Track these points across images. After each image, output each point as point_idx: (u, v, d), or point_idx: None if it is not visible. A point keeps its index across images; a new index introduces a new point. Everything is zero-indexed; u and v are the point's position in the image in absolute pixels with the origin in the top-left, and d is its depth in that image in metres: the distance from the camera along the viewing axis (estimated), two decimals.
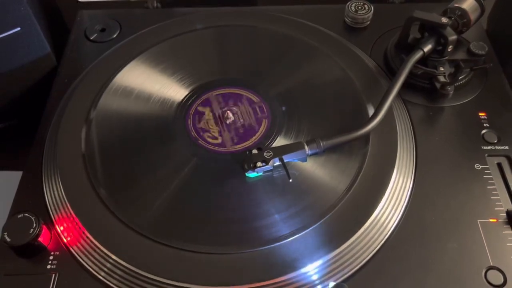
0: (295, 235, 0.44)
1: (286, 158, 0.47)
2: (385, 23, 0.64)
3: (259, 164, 0.47)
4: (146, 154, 0.51)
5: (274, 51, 0.61)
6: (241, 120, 0.54)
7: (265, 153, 0.47)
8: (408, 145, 0.52)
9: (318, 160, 0.50)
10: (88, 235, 0.45)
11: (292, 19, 0.64)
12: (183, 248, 0.44)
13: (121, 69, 0.57)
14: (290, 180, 0.47)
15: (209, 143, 0.52)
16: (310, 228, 0.44)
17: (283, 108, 0.54)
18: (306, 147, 0.48)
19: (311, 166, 0.49)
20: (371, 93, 0.54)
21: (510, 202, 0.48)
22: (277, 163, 0.47)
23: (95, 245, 0.45)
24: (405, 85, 0.54)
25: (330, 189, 0.47)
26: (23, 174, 0.51)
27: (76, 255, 0.45)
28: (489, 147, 0.52)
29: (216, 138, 0.52)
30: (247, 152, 0.48)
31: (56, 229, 0.47)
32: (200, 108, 0.55)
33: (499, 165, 0.51)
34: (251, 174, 0.48)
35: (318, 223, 0.45)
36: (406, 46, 0.57)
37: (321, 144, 0.48)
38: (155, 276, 0.43)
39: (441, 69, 0.55)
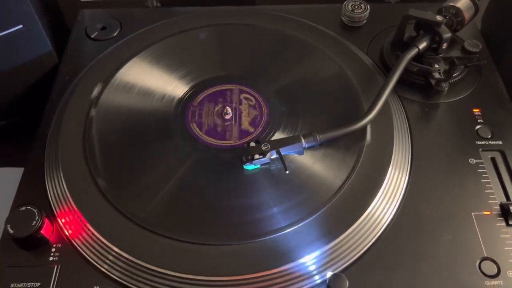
0: (293, 226, 0.45)
1: (283, 151, 0.48)
2: (381, 22, 0.65)
3: (256, 156, 0.48)
4: (147, 149, 0.52)
5: (273, 49, 0.61)
6: (240, 116, 0.55)
7: (262, 145, 0.48)
8: (404, 140, 0.53)
9: (316, 154, 0.51)
10: (90, 228, 0.46)
11: (290, 18, 0.65)
12: (184, 240, 0.44)
13: (122, 66, 0.58)
14: (287, 172, 0.48)
15: (208, 138, 0.53)
16: (308, 220, 0.45)
17: (283, 109, 0.55)
18: (302, 140, 0.49)
19: (309, 160, 0.50)
20: (367, 89, 0.55)
21: (503, 195, 0.49)
22: (275, 155, 0.48)
23: (97, 237, 0.45)
24: (401, 82, 0.55)
25: (327, 183, 0.48)
26: (25, 168, 0.52)
27: (78, 247, 0.46)
28: (483, 142, 0.53)
29: (215, 133, 0.53)
30: (245, 145, 0.49)
31: (58, 222, 0.48)
32: (200, 104, 0.56)
33: (493, 159, 0.52)
34: (249, 167, 0.49)
35: (316, 215, 0.46)
36: (401, 44, 0.58)
37: (318, 137, 0.49)
38: (156, 267, 0.43)
39: (436, 66, 0.56)
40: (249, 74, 0.59)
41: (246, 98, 0.56)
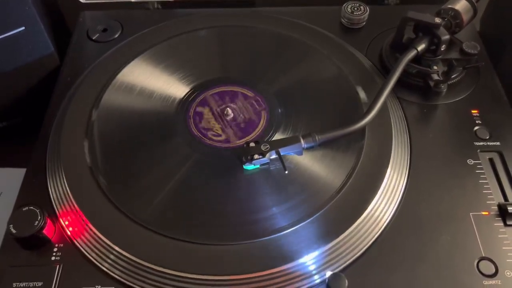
0: (293, 226, 0.45)
1: (283, 151, 0.49)
2: (380, 24, 0.65)
3: (256, 156, 0.48)
4: (148, 149, 0.52)
5: (273, 51, 0.62)
6: (240, 117, 0.55)
7: (262, 146, 0.48)
8: (402, 142, 0.53)
9: (316, 155, 0.51)
10: (92, 227, 0.46)
11: (290, 20, 0.65)
12: (184, 239, 0.45)
13: (124, 67, 0.58)
14: (286, 172, 0.48)
15: (208, 138, 0.53)
16: (308, 220, 0.46)
17: (282, 110, 0.56)
18: (302, 140, 0.49)
19: (309, 161, 0.51)
20: (366, 91, 0.56)
21: (501, 195, 0.49)
22: (274, 156, 0.49)
23: (99, 237, 0.46)
24: (399, 84, 0.55)
25: (326, 183, 0.49)
26: (28, 169, 0.52)
27: (80, 247, 0.46)
28: (481, 143, 0.53)
29: (215, 134, 0.54)
30: (244, 145, 0.49)
31: (60, 222, 0.48)
32: (200, 105, 0.56)
33: (491, 160, 0.52)
34: (248, 167, 0.49)
35: (316, 215, 0.46)
36: (400, 46, 0.58)
37: (317, 138, 0.49)
38: (157, 267, 0.44)
39: (435, 67, 0.56)
40: (249, 76, 0.59)
41: (246, 99, 0.57)
